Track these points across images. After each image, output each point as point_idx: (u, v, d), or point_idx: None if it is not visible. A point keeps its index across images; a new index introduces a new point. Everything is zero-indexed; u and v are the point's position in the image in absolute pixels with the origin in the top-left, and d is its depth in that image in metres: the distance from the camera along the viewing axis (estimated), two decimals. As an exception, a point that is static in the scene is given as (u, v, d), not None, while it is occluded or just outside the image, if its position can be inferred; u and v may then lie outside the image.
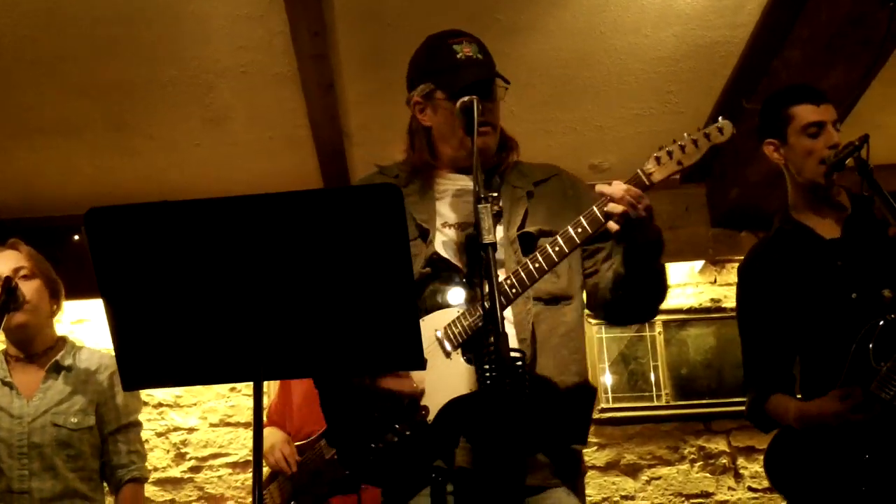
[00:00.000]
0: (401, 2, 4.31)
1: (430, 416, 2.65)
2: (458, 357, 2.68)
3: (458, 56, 2.82)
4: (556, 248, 2.62)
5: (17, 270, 3.71)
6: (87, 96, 4.83)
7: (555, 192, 2.95)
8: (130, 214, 2.11)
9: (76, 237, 5.10)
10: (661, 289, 2.81)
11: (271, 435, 4.11)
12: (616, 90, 5.06)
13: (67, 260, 4.02)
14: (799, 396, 3.50)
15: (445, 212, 2.89)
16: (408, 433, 2.62)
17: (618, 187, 2.55)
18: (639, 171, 2.61)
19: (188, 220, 2.09)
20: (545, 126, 5.25)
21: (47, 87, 4.74)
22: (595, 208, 2.59)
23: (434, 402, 2.65)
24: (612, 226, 2.58)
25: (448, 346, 2.68)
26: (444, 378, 2.65)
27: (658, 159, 2.60)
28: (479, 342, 2.63)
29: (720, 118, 2.63)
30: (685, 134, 2.61)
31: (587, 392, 2.83)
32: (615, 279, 2.78)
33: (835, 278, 3.39)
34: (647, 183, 2.59)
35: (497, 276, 2.35)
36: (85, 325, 6.03)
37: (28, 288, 3.71)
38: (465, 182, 2.91)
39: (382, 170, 3.06)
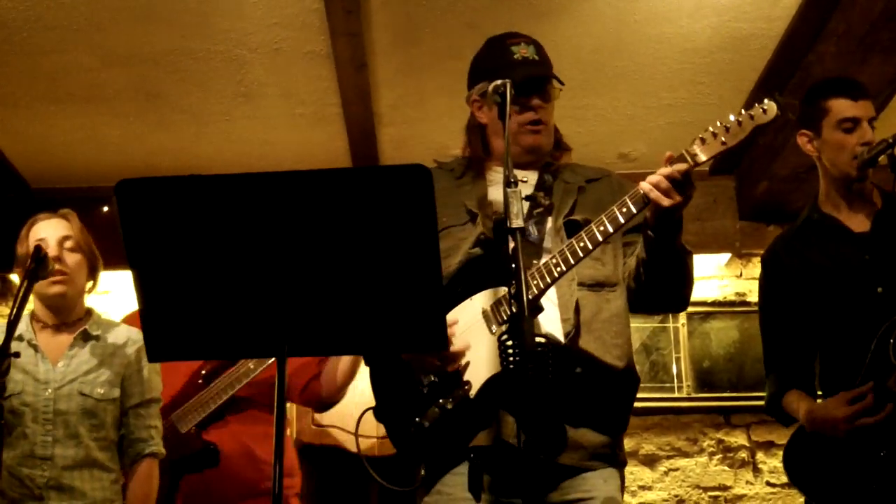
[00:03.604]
0: (435, -18, 4.30)
1: (473, 392, 2.70)
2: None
3: (515, 56, 2.93)
4: (602, 228, 2.64)
5: (63, 240, 3.76)
6: (118, 65, 4.84)
7: (604, 191, 3.00)
8: (161, 187, 2.12)
9: (105, 208, 5.11)
10: (684, 274, 2.82)
11: None
12: (648, 79, 5.04)
13: (94, 230, 4.01)
14: (819, 392, 3.49)
15: (495, 200, 2.94)
16: (450, 407, 2.68)
17: (664, 170, 2.59)
18: (684, 151, 2.62)
19: (218, 194, 2.10)
20: (574, 113, 5.20)
21: (79, 54, 4.75)
22: (640, 187, 2.62)
23: (477, 377, 2.71)
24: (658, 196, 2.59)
25: (493, 324, 2.74)
26: (488, 354, 2.70)
27: (703, 140, 2.61)
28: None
29: (765, 98, 2.62)
30: (729, 115, 2.61)
31: (630, 377, 2.87)
32: (637, 265, 2.82)
33: (861, 272, 3.38)
34: (692, 163, 2.60)
35: (521, 260, 2.36)
36: (107, 296, 6.03)
37: (71, 260, 3.76)
38: (517, 174, 2.96)
39: (440, 164, 3.15)
